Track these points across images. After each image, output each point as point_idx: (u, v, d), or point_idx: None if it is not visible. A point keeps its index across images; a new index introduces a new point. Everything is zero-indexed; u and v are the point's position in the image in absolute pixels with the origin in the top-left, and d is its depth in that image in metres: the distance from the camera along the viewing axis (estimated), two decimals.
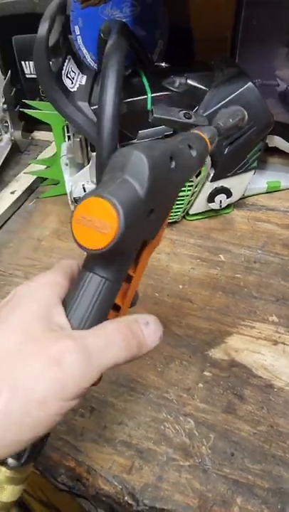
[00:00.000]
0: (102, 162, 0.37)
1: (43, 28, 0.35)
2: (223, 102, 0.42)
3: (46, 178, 0.60)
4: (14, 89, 0.62)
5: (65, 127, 0.50)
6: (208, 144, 0.28)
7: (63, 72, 0.40)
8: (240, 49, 0.54)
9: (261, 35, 0.53)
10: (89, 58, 0.55)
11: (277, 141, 0.52)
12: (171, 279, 0.45)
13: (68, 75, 0.42)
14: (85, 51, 0.55)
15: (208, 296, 0.43)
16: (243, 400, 0.34)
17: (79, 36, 0.54)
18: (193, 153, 0.25)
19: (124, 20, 0.51)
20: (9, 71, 0.61)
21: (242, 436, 0.31)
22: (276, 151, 0.57)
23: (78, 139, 0.44)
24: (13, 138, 0.64)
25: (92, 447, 0.31)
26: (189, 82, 0.43)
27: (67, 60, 0.42)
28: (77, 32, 0.53)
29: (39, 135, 0.71)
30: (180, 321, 0.40)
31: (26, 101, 0.51)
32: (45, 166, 0.59)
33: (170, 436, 0.32)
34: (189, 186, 0.46)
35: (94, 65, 0.55)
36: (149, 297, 0.43)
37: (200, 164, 0.27)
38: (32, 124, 0.69)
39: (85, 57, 0.56)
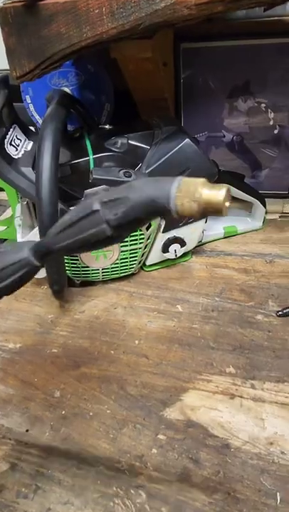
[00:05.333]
0: (43, 225, 0.37)
1: None
2: (164, 158, 0.43)
3: (6, 239, 0.60)
4: None
5: None
6: None
7: (6, 141, 0.42)
8: (185, 105, 0.57)
9: (203, 91, 0.56)
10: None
11: None
12: (127, 335, 0.44)
13: (13, 143, 0.43)
14: (37, 117, 0.58)
15: (164, 350, 0.41)
16: (198, 465, 0.32)
17: (30, 104, 0.57)
18: None
19: (70, 88, 0.55)
20: None
21: (196, 508, 0.29)
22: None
23: (25, 203, 0.45)
24: None
25: None
26: (130, 142, 0.44)
27: (12, 129, 0.44)
28: (29, 101, 0.57)
29: (2, 195, 0.72)
30: (135, 379, 0.39)
31: None
32: (5, 227, 0.60)
33: None
34: (141, 239, 0.47)
35: None
36: (104, 356, 0.41)
37: None
38: None
39: (38, 122, 0.58)
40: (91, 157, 0.43)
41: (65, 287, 0.44)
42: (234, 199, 0.58)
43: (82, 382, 0.39)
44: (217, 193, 0.14)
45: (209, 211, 0.14)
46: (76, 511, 0.29)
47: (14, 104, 0.46)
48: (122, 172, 0.40)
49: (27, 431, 0.35)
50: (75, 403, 0.37)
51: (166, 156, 0.43)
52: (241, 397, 0.36)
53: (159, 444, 0.33)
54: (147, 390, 0.38)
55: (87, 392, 0.38)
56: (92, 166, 0.43)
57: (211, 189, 0.14)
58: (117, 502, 0.30)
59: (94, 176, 0.39)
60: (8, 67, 0.42)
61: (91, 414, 0.36)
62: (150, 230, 0.47)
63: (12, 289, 0.17)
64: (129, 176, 0.40)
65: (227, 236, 0.57)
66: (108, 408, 0.36)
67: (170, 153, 0.43)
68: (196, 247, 0.54)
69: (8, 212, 0.65)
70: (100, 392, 0.38)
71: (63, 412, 0.36)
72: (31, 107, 0.56)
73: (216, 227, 0.56)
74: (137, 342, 0.43)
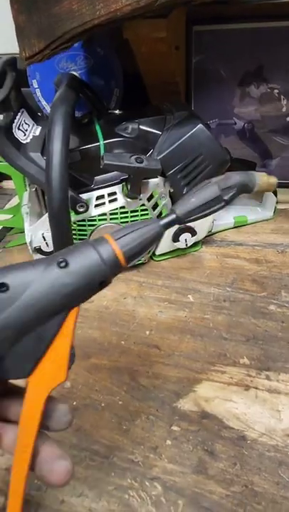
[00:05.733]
0: (53, 212, 0.36)
1: None
2: (176, 144, 0.42)
3: (12, 228, 0.59)
4: None
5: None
6: (122, 259, 0.21)
7: (14, 125, 0.40)
8: (195, 91, 0.56)
9: (214, 76, 0.55)
10: (49, 110, 0.57)
11: None
12: (137, 325, 0.43)
13: (21, 128, 0.42)
14: (44, 103, 0.56)
15: (176, 341, 0.41)
16: (214, 457, 0.31)
17: (37, 89, 0.55)
18: (62, 273, 0.20)
19: (78, 72, 0.53)
20: None
21: (214, 500, 0.28)
22: None
23: (34, 189, 0.43)
24: None
25: None
26: (141, 127, 0.43)
27: (19, 113, 0.42)
28: (36, 85, 0.55)
29: (8, 184, 0.71)
30: (147, 370, 0.38)
31: None
32: (12, 215, 0.59)
33: (135, 506, 0.29)
34: None
35: None
36: (115, 346, 0.41)
37: (80, 291, 0.20)
38: (0, 174, 0.69)
39: (45, 108, 0.57)
40: (101, 142, 0.42)
41: None
42: None
43: (92, 373, 0.38)
44: (274, 179, 0.25)
45: (270, 189, 0.24)
46: (91, 504, 0.29)
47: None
48: (133, 158, 0.39)
49: None
50: (86, 394, 0.36)
51: (178, 142, 0.42)
52: (256, 388, 0.35)
53: (173, 435, 0.33)
54: (159, 380, 0.37)
55: (98, 383, 0.37)
56: (102, 151, 0.42)
57: (272, 178, 0.24)
58: (132, 494, 0.29)
59: (105, 162, 0.38)
60: (7, 52, 0.41)
61: (103, 405, 0.35)
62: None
63: (142, 255, 0.22)
64: (141, 162, 0.39)
65: (237, 226, 0.56)
66: (120, 399, 0.36)
67: (182, 138, 0.42)
68: (205, 237, 0.53)
69: (14, 201, 0.64)
70: (111, 383, 0.37)
71: (74, 403, 0.36)
72: (38, 92, 0.55)
73: (226, 217, 0.55)
74: (147, 332, 0.42)
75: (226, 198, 0.23)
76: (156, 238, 0.22)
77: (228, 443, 0.32)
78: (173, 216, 0.22)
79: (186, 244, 0.49)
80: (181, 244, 0.49)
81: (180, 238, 0.48)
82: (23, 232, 0.57)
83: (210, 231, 0.54)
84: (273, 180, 0.24)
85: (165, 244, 0.49)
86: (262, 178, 0.24)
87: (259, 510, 0.28)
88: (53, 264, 0.20)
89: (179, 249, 0.51)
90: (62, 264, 0.20)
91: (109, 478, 0.30)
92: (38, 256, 0.46)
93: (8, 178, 0.71)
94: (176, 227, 0.48)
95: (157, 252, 0.50)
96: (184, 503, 0.28)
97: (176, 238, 0.48)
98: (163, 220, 0.22)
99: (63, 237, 0.38)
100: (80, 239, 0.44)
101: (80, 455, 0.32)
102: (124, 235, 0.21)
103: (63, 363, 0.21)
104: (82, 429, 0.34)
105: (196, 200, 0.22)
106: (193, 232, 0.48)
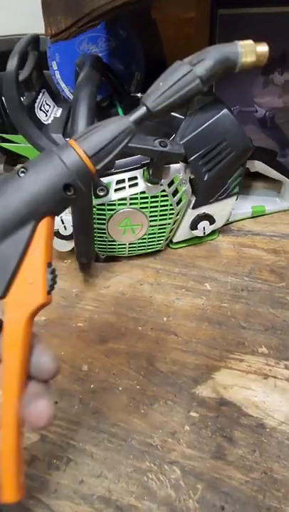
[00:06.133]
0: None
1: (11, 63, 0.35)
2: (200, 129, 0.41)
3: None
4: None
5: None
6: (86, 160, 0.20)
7: (36, 105, 0.40)
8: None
9: None
10: (68, 92, 0.56)
11: (258, 166, 0.51)
12: (154, 311, 0.43)
13: (42, 108, 0.41)
14: (63, 85, 0.56)
15: (193, 328, 0.40)
16: (233, 443, 0.31)
17: (57, 71, 0.55)
18: (21, 180, 0.19)
19: (100, 54, 0.52)
20: None
21: (233, 486, 0.28)
22: (259, 176, 0.56)
23: None
24: None
25: (66, 506, 0.28)
26: None
27: (41, 94, 0.42)
28: (55, 67, 0.54)
29: None
30: (165, 356, 0.38)
31: (3, 135, 0.51)
32: None
33: (154, 488, 0.29)
34: (171, 214, 0.45)
35: None
36: (132, 331, 0.40)
37: (43, 196, 0.19)
38: (15, 157, 0.68)
39: (63, 91, 0.56)
40: None
41: (92, 260, 0.43)
42: (264, 177, 0.56)
43: (110, 357, 0.38)
44: (264, 46, 0.20)
45: (261, 60, 0.20)
46: (110, 485, 0.29)
47: None
48: (157, 141, 0.38)
49: (56, 403, 0.34)
50: (104, 377, 0.36)
51: (202, 127, 0.41)
52: (275, 377, 0.35)
53: (191, 421, 0.33)
54: (177, 367, 0.37)
55: (115, 367, 0.37)
56: None
57: (261, 45, 0.20)
58: (151, 477, 0.29)
59: (128, 144, 0.37)
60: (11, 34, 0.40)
61: (120, 389, 0.35)
62: (180, 205, 0.45)
63: (112, 156, 0.20)
64: (165, 146, 0.38)
65: (255, 216, 0.56)
66: (138, 384, 0.36)
67: (207, 123, 0.41)
68: (222, 226, 0.52)
69: None
70: (128, 367, 0.37)
71: (92, 386, 0.36)
72: (57, 75, 0.54)
73: (244, 206, 0.55)
74: (165, 319, 0.42)
75: (200, 74, 0.19)
76: (127, 135, 0.20)
77: (247, 430, 0.32)
78: (143, 109, 0.20)
79: (204, 233, 0.49)
80: (198, 232, 0.49)
81: (198, 226, 0.48)
82: None
83: (227, 220, 0.53)
84: (263, 48, 0.19)
85: (182, 231, 0.49)
86: (247, 47, 0.19)
87: (278, 497, 0.28)
88: (14, 174, 0.19)
89: (195, 237, 0.50)
90: (22, 174, 0.19)
91: (128, 461, 0.30)
92: (56, 239, 0.46)
93: (23, 162, 0.71)
94: (194, 214, 0.47)
95: (174, 240, 0.50)
96: (203, 488, 0.28)
97: (194, 226, 0.48)
98: (132, 114, 0.20)
99: (84, 220, 0.37)
100: (98, 223, 0.44)
101: (98, 437, 0.32)
102: (88, 135, 0.20)
103: (39, 281, 0.19)
104: (100, 412, 0.34)
105: (165, 83, 0.19)
106: (211, 221, 0.48)
